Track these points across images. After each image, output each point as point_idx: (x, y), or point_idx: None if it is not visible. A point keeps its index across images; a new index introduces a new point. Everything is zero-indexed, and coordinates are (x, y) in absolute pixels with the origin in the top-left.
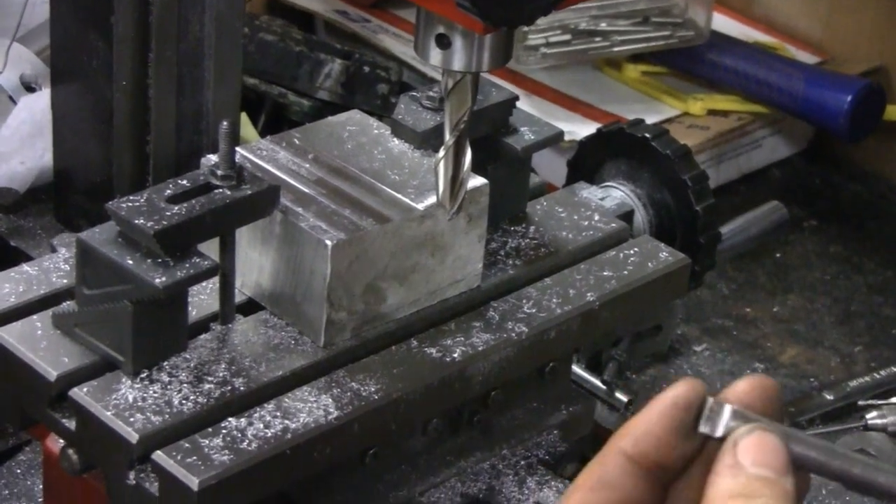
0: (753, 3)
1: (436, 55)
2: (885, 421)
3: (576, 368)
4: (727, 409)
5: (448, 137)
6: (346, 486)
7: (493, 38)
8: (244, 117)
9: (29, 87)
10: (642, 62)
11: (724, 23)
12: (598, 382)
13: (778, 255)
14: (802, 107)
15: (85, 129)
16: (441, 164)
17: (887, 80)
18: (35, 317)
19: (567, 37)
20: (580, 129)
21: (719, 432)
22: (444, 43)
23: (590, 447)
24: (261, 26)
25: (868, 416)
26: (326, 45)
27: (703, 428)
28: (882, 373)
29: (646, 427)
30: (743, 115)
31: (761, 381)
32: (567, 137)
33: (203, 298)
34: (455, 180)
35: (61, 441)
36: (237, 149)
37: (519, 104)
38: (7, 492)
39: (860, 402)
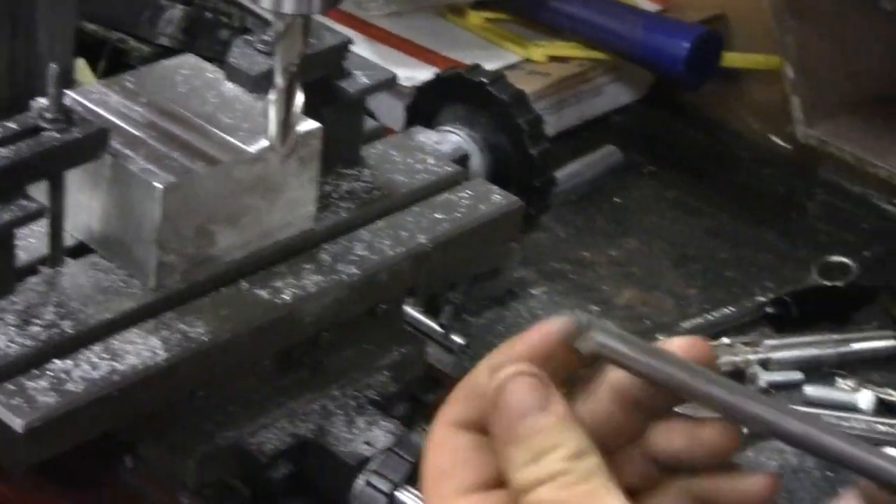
0: None
1: None
2: (722, 360)
3: (413, 311)
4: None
5: (279, 80)
6: (175, 427)
7: None
8: (82, 62)
9: None
10: (485, 9)
11: None
12: (434, 325)
13: (616, 199)
14: (641, 53)
15: None
16: (272, 107)
17: (727, 28)
18: None
19: None
20: (421, 74)
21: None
22: None
23: (421, 388)
24: None
25: None
26: None
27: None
28: (714, 314)
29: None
30: (583, 62)
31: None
32: (408, 83)
33: (32, 242)
34: (286, 123)
35: None
36: (69, 92)
37: (361, 50)
38: None
39: None
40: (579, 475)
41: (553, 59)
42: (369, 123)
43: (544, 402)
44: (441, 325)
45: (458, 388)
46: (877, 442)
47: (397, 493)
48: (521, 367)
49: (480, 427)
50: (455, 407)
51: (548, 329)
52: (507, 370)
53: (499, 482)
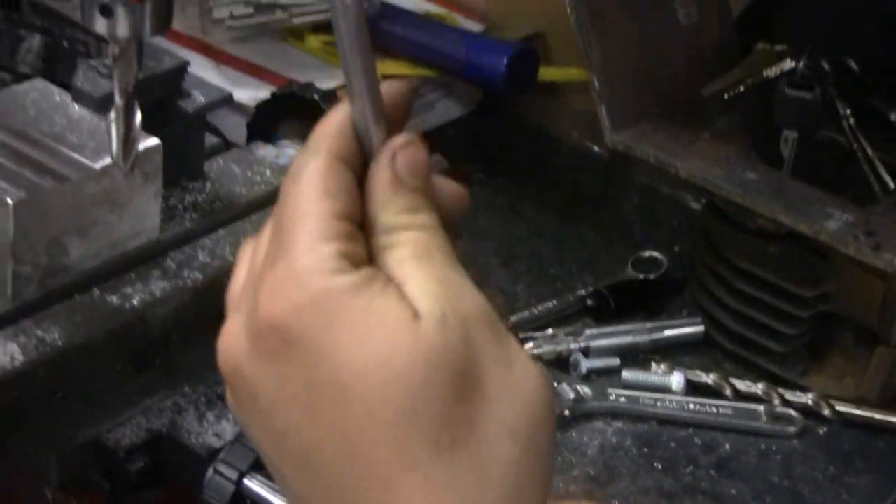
0: None
1: (101, 24)
2: (540, 350)
3: None
4: None
5: (118, 100)
6: (37, 426)
7: (153, 5)
8: None
9: None
10: (322, 32)
11: None
12: None
13: None
14: (465, 70)
15: None
16: (113, 126)
17: (545, 44)
18: None
19: (250, 10)
20: (263, 93)
21: None
22: (107, 11)
23: None
24: None
25: (526, 346)
26: (26, 22)
27: None
28: (539, 308)
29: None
30: (414, 79)
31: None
32: (251, 102)
33: None
34: (127, 140)
35: None
36: None
37: (207, 73)
38: None
39: (520, 335)
40: (437, 232)
41: (385, 77)
42: (211, 140)
43: (426, 169)
44: None
45: (338, 123)
46: (688, 421)
47: (245, 480)
48: (412, 137)
49: (355, 168)
50: (341, 143)
51: None
52: (400, 139)
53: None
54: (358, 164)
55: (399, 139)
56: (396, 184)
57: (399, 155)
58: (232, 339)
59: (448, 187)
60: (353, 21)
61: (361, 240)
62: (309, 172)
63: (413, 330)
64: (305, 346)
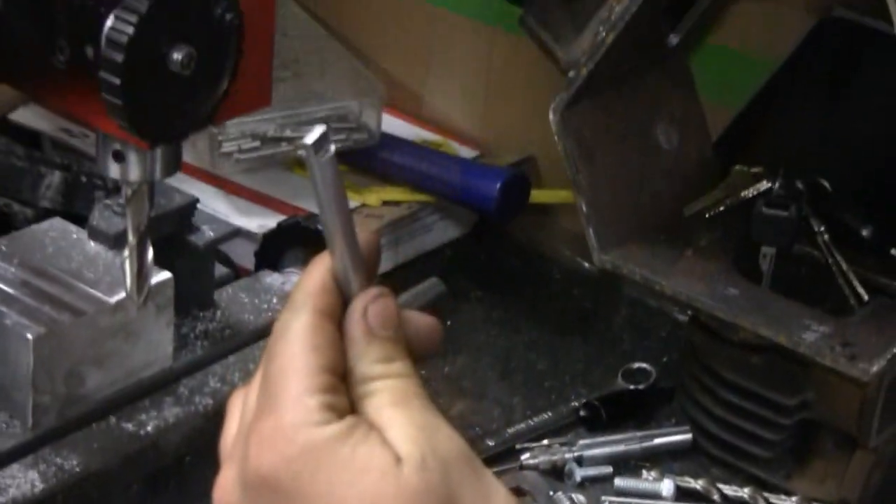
0: (422, 106)
1: (114, 169)
2: (536, 461)
3: None
4: None
5: (131, 238)
6: None
7: (163, 151)
8: None
9: None
10: None
11: (396, 124)
12: None
13: (448, 322)
14: (461, 195)
15: None
16: (126, 262)
17: (536, 168)
18: None
19: (257, 143)
20: (271, 222)
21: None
22: (119, 157)
23: None
24: None
25: (523, 457)
26: (47, 160)
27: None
28: (535, 420)
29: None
30: (412, 204)
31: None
32: (260, 230)
33: None
34: (140, 275)
35: None
36: None
37: (217, 203)
38: None
39: (517, 446)
40: (411, 379)
41: (386, 202)
42: (221, 270)
43: (396, 319)
44: None
45: (320, 279)
46: None
47: None
48: (383, 290)
49: (337, 320)
50: (323, 299)
51: None
52: (371, 292)
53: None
54: (340, 314)
55: (370, 292)
56: (369, 335)
57: (370, 308)
58: (226, 490)
59: (422, 321)
60: (329, 181)
61: (344, 390)
62: (295, 330)
63: (396, 474)
64: (295, 496)
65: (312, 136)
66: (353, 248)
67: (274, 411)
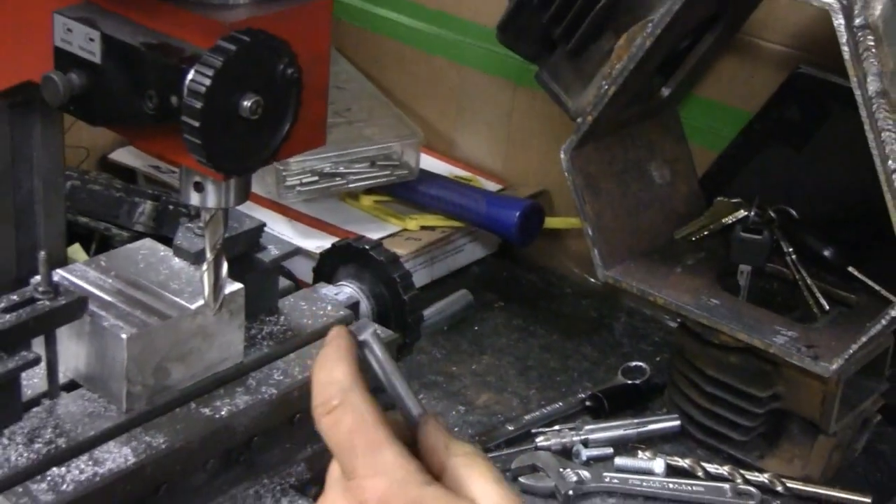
0: (453, 147)
1: (194, 197)
2: (549, 443)
3: None
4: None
5: (209, 255)
6: None
7: (235, 182)
8: (77, 246)
9: None
10: (373, 193)
11: (432, 162)
12: None
13: (476, 328)
14: (487, 222)
15: None
16: (205, 275)
17: (549, 200)
18: None
19: (315, 178)
20: (326, 243)
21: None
22: (198, 188)
23: None
24: (90, 179)
25: (537, 440)
26: (140, 191)
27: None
28: (548, 408)
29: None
30: (446, 229)
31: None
32: (317, 250)
33: (36, 381)
34: (216, 286)
35: None
36: (59, 271)
37: (281, 227)
38: None
39: (533, 431)
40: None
41: (423, 227)
42: (284, 282)
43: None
44: None
45: (351, 370)
46: (668, 497)
47: None
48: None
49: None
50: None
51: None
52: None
53: None
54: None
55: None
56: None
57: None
58: None
59: None
60: (383, 355)
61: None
62: (360, 407)
63: None
64: None
65: (367, 333)
66: (408, 391)
67: (378, 473)
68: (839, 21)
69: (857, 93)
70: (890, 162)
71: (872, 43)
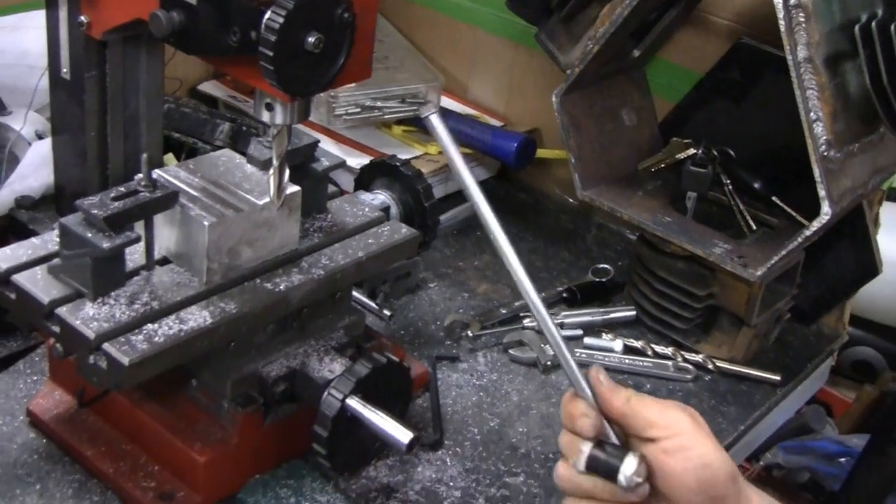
0: (467, 92)
1: (266, 115)
2: (533, 324)
3: (359, 296)
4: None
5: (275, 163)
6: (218, 363)
7: (299, 104)
8: (171, 155)
9: (39, 137)
10: (403, 124)
11: (450, 103)
12: (372, 304)
13: (478, 232)
14: (491, 150)
15: (71, 161)
16: (271, 179)
17: (540, 136)
18: (37, 268)
19: (358, 110)
20: (363, 161)
21: None
22: (269, 107)
23: (362, 340)
24: (182, 103)
25: (524, 321)
26: (221, 114)
27: None
28: None
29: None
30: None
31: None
32: (356, 165)
33: (136, 257)
34: (280, 188)
35: (53, 340)
36: (157, 171)
37: (329, 147)
38: (30, 370)
39: (521, 314)
40: None
41: (441, 153)
42: (331, 188)
43: None
44: (377, 304)
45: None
46: (624, 370)
47: (347, 400)
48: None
49: None
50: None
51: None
52: None
53: None
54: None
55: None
56: None
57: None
58: None
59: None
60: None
61: None
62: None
63: None
64: None
65: (428, 109)
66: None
67: None
68: (778, 0)
69: (789, 58)
70: (811, 113)
71: (803, 19)
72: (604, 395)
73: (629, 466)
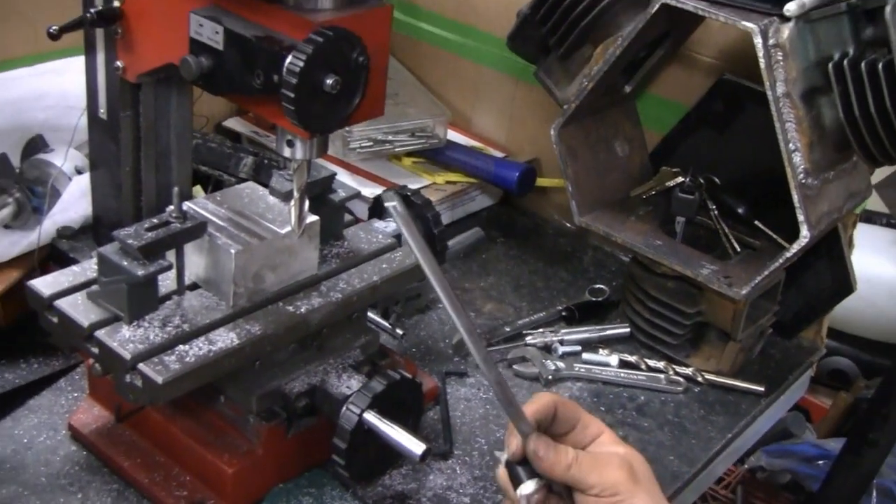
0: (471, 124)
1: (287, 150)
2: (535, 341)
3: (373, 316)
4: None
5: (295, 194)
6: (244, 380)
7: (317, 140)
8: (199, 188)
9: (79, 172)
10: (412, 156)
11: (455, 135)
12: (386, 324)
13: (483, 256)
14: (494, 179)
15: (108, 194)
16: (292, 210)
17: (540, 165)
18: (78, 293)
19: (371, 143)
20: (377, 190)
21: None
22: (290, 144)
23: (377, 358)
24: (209, 139)
25: (527, 339)
26: (245, 149)
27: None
28: (535, 316)
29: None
30: (464, 184)
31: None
32: (371, 195)
33: (168, 283)
34: (300, 218)
35: (92, 360)
36: (186, 203)
37: (344, 178)
38: (71, 387)
39: (523, 332)
40: None
41: (447, 182)
42: (347, 217)
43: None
44: (390, 324)
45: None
46: (620, 383)
47: (364, 415)
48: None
49: None
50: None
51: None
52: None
53: None
54: None
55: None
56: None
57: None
58: None
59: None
60: (411, 225)
61: None
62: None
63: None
64: None
65: (392, 201)
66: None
67: None
68: (758, 40)
69: (769, 93)
70: (790, 144)
71: (781, 57)
72: (546, 467)
73: (527, 488)
